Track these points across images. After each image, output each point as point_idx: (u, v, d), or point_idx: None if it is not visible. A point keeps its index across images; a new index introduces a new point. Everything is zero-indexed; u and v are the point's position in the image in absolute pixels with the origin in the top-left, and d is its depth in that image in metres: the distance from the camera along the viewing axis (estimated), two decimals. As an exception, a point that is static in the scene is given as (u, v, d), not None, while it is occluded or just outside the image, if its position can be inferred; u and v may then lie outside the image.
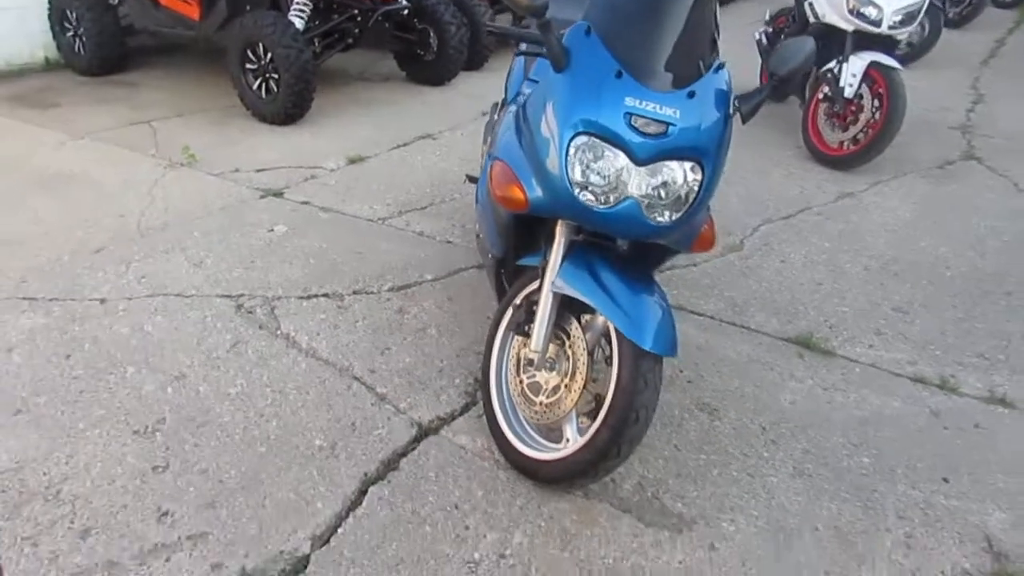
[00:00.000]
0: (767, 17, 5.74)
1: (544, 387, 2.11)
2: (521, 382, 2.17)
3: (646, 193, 1.83)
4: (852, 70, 4.35)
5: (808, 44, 1.99)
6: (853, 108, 4.42)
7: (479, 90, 5.75)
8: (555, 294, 2.04)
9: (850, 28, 4.44)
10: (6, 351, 2.60)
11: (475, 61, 6.13)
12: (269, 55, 4.59)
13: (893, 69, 4.25)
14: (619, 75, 1.83)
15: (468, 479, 2.16)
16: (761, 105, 1.96)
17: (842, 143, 4.53)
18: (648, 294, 1.99)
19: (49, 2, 5.57)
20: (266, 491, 2.09)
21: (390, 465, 2.20)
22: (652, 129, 1.80)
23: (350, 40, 5.18)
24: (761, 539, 2.03)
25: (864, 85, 4.36)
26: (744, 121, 1.95)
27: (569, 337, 2.08)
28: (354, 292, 3.04)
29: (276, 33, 4.52)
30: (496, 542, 1.97)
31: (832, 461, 2.30)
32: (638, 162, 1.81)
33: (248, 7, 4.92)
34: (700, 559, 1.96)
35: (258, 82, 4.75)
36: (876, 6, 4.33)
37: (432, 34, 5.55)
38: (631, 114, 1.80)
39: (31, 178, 3.96)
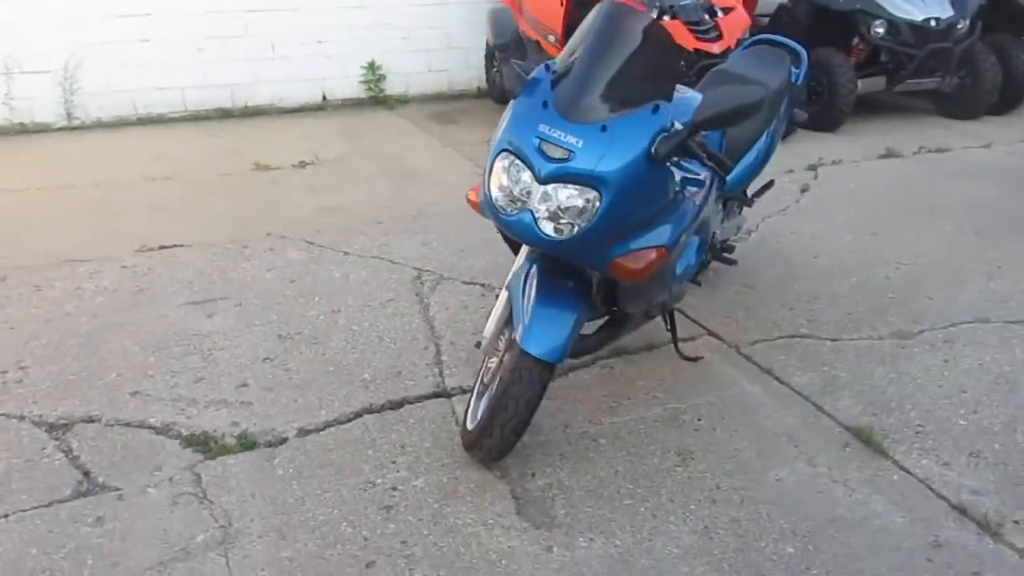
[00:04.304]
0: None
1: (489, 370, 2.40)
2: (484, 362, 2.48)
3: (542, 208, 2.04)
4: None
5: (745, 94, 1.96)
6: None
7: (811, 150, 5.55)
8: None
9: None
10: (267, 270, 3.69)
11: (827, 122, 5.89)
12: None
13: None
14: (544, 105, 2.08)
15: (432, 433, 2.54)
16: (677, 147, 1.99)
17: None
18: (559, 308, 2.18)
19: (486, 44, 6.96)
20: (305, 393, 2.74)
21: (394, 406, 2.68)
22: (556, 154, 2.01)
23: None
24: (598, 564, 2.05)
25: None
26: (659, 160, 2.00)
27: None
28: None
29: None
30: (400, 479, 2.34)
31: (752, 539, 2.12)
32: (540, 180, 2.03)
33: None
34: (524, 555, 2.07)
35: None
36: None
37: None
38: (540, 139, 2.04)
39: (389, 168, 5.19)
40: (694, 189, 2.37)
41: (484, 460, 2.35)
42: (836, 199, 4.62)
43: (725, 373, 2.88)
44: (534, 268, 2.26)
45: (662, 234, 2.20)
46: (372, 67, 6.85)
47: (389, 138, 5.99)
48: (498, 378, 2.22)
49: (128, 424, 2.58)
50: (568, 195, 2.02)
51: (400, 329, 3.16)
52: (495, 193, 2.13)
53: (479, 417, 2.27)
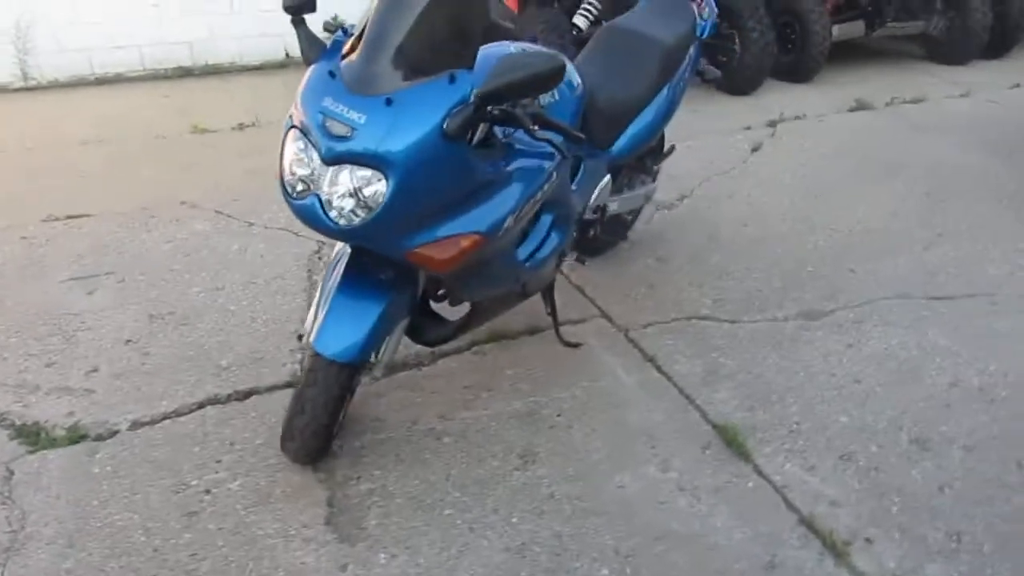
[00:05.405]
0: None
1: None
2: None
3: (328, 192, 1.79)
4: None
5: (537, 61, 1.68)
6: None
7: (777, 103, 5.14)
8: None
9: None
10: (165, 242, 3.46)
11: (800, 72, 5.45)
12: (541, 49, 4.87)
13: None
14: (332, 75, 1.81)
15: (269, 428, 2.32)
16: (468, 123, 1.71)
17: None
18: (362, 301, 1.96)
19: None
20: (153, 381, 2.55)
21: (241, 396, 2.48)
22: (338, 131, 1.74)
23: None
24: (392, 583, 1.86)
25: None
26: (449, 137, 1.72)
27: None
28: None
29: (546, 29, 4.77)
30: (217, 481, 2.15)
31: (568, 559, 1.90)
32: (325, 161, 1.77)
33: (555, 4, 5.22)
34: (315, 573, 1.87)
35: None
36: None
37: (736, 40, 5.13)
38: (324, 114, 1.77)
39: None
40: (532, 163, 2.08)
41: (297, 462, 2.15)
42: (787, 159, 4.27)
43: (602, 361, 2.62)
44: (352, 258, 2.03)
45: (479, 218, 1.92)
46: (335, 21, 6.52)
47: (345, 95, 5.70)
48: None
49: (-38, 414, 2.43)
50: (353, 178, 1.76)
51: (278, 309, 2.96)
52: (286, 174, 1.88)
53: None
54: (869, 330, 2.73)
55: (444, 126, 1.71)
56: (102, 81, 6.02)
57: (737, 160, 4.22)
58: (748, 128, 4.66)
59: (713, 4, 2.98)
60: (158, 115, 5.25)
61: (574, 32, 4.77)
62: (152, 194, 3.96)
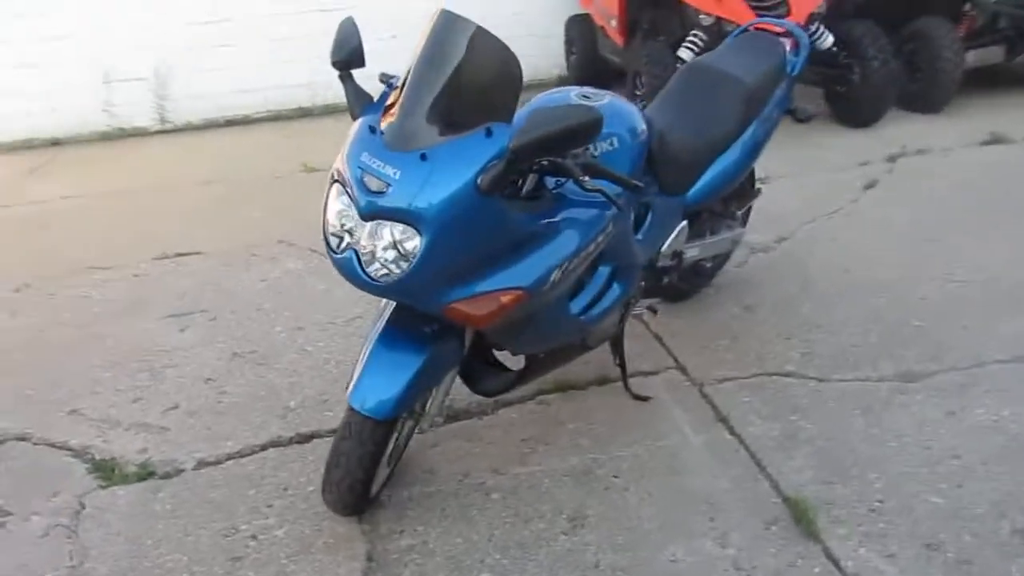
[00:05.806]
0: None
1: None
2: None
3: (366, 247, 1.77)
4: None
5: (573, 114, 1.62)
6: None
7: (900, 135, 4.76)
8: None
9: None
10: (260, 280, 3.61)
11: (928, 102, 5.04)
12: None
13: None
14: (372, 130, 1.81)
15: (321, 475, 2.35)
16: (502, 177, 1.65)
17: None
18: (399, 355, 1.93)
19: (565, 31, 6.59)
20: (224, 421, 2.62)
21: (302, 439, 2.51)
22: (375, 186, 1.74)
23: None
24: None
25: None
26: (483, 192, 1.67)
27: None
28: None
29: (649, 63, 4.66)
30: (264, 527, 2.17)
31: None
32: (362, 216, 1.77)
33: (661, 37, 5.11)
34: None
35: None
36: None
37: (855, 69, 4.80)
38: (363, 169, 1.77)
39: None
40: (583, 214, 1.98)
41: (336, 513, 2.14)
42: (904, 197, 3.93)
43: (670, 418, 2.47)
44: (395, 313, 2.00)
45: (522, 273, 1.85)
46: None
47: (451, 133, 5.80)
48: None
49: (52, 445, 2.58)
50: (389, 233, 1.74)
51: (351, 351, 2.97)
52: (329, 227, 1.89)
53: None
54: (977, 397, 2.43)
55: (478, 181, 1.67)
56: (231, 122, 6.42)
57: (847, 199, 3.93)
58: (864, 163, 4.35)
59: (807, 41, 2.79)
60: (274, 155, 5.52)
61: (678, 65, 4.62)
62: (257, 232, 4.14)
